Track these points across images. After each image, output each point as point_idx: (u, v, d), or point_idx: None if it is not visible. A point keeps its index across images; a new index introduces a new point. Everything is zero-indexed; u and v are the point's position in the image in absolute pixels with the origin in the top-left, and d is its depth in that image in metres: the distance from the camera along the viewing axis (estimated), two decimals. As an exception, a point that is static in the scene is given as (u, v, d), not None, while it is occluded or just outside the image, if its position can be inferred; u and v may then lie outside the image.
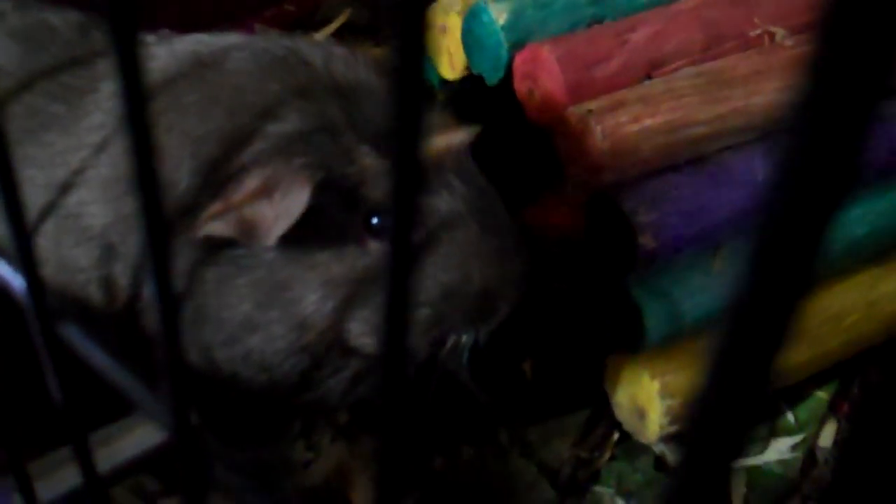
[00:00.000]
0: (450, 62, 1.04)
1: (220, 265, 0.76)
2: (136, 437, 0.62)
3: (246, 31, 1.40)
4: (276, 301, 0.76)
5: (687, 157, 0.94)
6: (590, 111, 0.90)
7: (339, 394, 0.85)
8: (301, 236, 0.74)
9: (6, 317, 0.55)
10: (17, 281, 0.33)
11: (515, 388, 1.04)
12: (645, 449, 1.02)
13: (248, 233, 0.73)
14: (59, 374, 0.35)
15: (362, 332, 0.78)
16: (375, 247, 0.77)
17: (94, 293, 0.79)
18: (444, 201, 0.78)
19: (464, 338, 0.81)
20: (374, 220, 0.77)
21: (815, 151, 0.19)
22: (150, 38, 0.85)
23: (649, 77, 0.97)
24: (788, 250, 0.20)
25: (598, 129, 0.89)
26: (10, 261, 0.34)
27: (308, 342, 0.78)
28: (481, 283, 0.78)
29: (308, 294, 0.76)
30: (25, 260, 0.32)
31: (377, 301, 0.78)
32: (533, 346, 1.05)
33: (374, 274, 0.77)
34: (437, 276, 0.77)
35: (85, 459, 0.38)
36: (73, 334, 0.33)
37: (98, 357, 0.33)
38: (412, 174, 0.23)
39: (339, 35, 1.36)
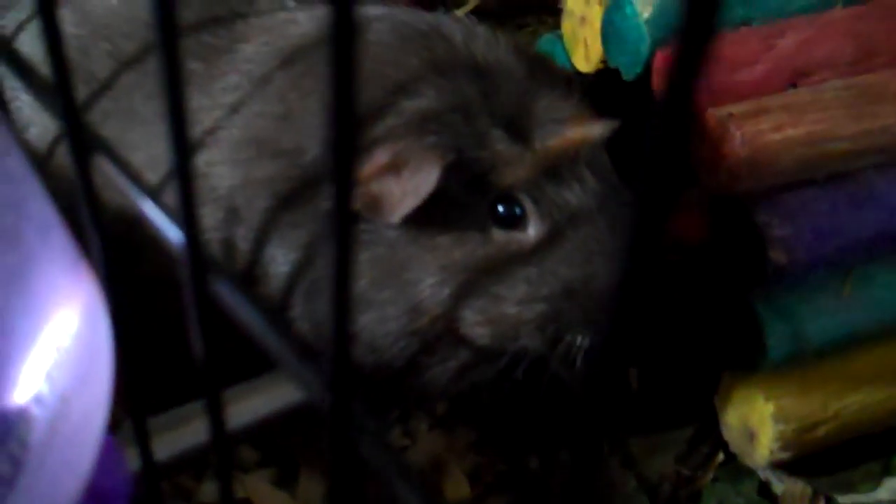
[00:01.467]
0: (585, 54, 1.01)
1: None
2: (258, 401, 0.61)
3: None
4: (392, 280, 0.75)
5: (827, 172, 0.89)
6: (730, 115, 0.86)
7: (444, 383, 0.83)
8: (425, 217, 0.72)
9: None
10: (173, 233, 0.32)
11: (619, 396, 1.00)
12: (750, 473, 0.97)
13: (373, 208, 0.71)
14: (205, 329, 0.33)
15: (476, 321, 0.76)
16: (499, 235, 0.75)
17: (214, 255, 0.78)
18: (574, 195, 0.75)
19: (579, 339, 0.78)
20: (501, 209, 0.75)
21: None
22: (290, 2, 0.84)
23: (794, 85, 0.93)
24: None
25: (738, 134, 0.85)
26: (168, 212, 0.33)
27: (419, 326, 0.76)
28: (605, 283, 0.75)
29: (425, 277, 0.74)
30: (186, 213, 0.30)
31: (494, 291, 0.76)
32: (641, 354, 1.01)
33: (494, 263, 0.75)
34: (559, 271, 0.74)
35: (216, 416, 0.36)
36: (225, 290, 0.32)
37: (249, 315, 0.31)
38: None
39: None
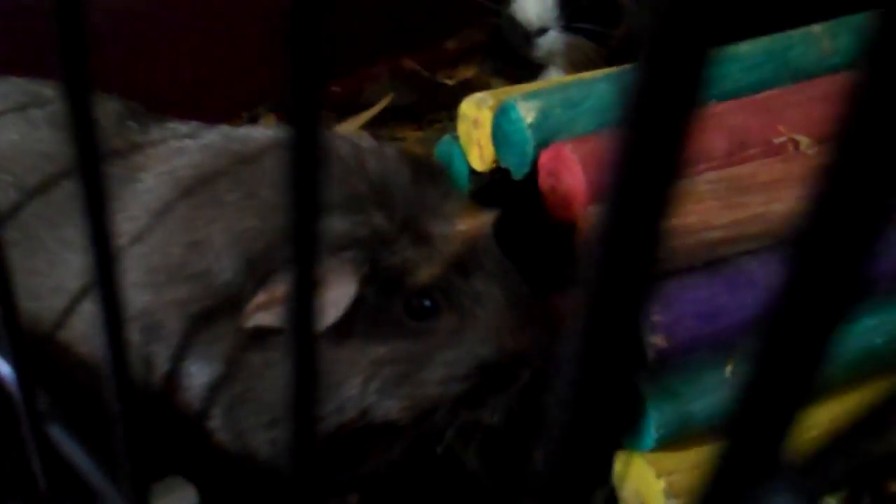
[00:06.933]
0: (480, 154, 1.07)
1: (266, 350, 0.79)
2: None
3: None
4: (319, 384, 0.79)
5: (704, 260, 0.96)
6: (608, 210, 0.92)
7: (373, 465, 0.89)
8: (347, 322, 0.77)
9: None
10: (10, 377, 0.37)
11: (522, 475, 1.05)
12: (650, 546, 1.01)
13: None
14: (45, 465, 0.38)
15: (402, 406, 0.82)
16: (415, 326, 0.81)
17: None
18: (478, 281, 0.82)
19: (484, 416, 0.85)
20: (414, 304, 0.81)
21: (825, 259, 0.19)
22: (182, 127, 0.90)
23: (671, 180, 0.99)
24: (793, 357, 0.20)
25: (615, 228, 0.91)
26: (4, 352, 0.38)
27: (349, 420, 0.82)
28: (514, 350, 0.83)
29: (352, 377, 0.79)
30: (17, 355, 0.35)
31: (417, 378, 0.82)
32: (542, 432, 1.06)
33: (413, 353, 0.81)
34: (473, 349, 0.81)
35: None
36: (58, 433, 0.37)
37: (78, 456, 0.36)
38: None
39: (382, 118, 1.40)
